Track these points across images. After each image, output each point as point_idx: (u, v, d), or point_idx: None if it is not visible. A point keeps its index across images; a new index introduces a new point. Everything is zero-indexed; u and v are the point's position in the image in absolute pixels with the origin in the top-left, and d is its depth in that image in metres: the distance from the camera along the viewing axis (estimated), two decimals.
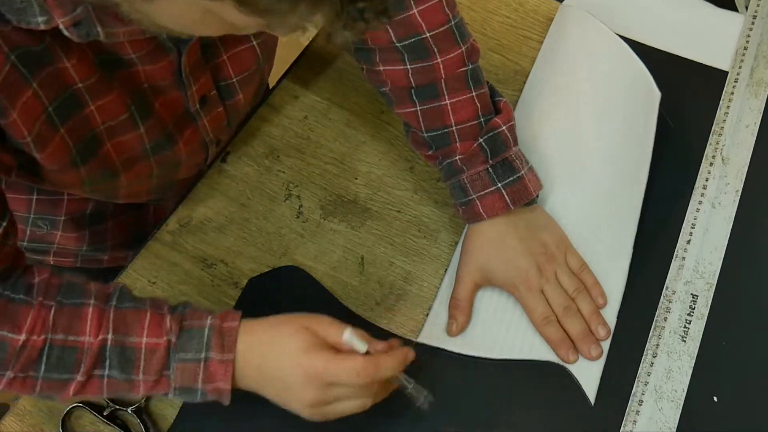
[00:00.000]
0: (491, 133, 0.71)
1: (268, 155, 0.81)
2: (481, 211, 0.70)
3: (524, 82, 0.86)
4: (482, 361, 0.69)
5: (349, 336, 0.58)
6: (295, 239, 0.77)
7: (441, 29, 0.70)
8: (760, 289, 0.73)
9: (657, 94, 0.81)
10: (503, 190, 0.70)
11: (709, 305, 0.71)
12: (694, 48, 0.86)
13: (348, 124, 0.84)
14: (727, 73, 0.84)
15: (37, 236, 0.81)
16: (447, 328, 0.71)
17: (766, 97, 0.83)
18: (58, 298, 0.57)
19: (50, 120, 0.55)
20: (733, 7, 0.88)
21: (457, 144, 0.71)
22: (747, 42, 0.86)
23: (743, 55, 0.85)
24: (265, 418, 0.68)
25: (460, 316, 0.71)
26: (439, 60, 0.70)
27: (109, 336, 0.57)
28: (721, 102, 0.82)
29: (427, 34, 0.70)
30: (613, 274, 0.73)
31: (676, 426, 0.66)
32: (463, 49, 0.71)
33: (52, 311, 0.56)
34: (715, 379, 0.68)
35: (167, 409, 0.69)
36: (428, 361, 0.70)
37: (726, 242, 0.74)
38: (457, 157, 0.71)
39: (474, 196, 0.70)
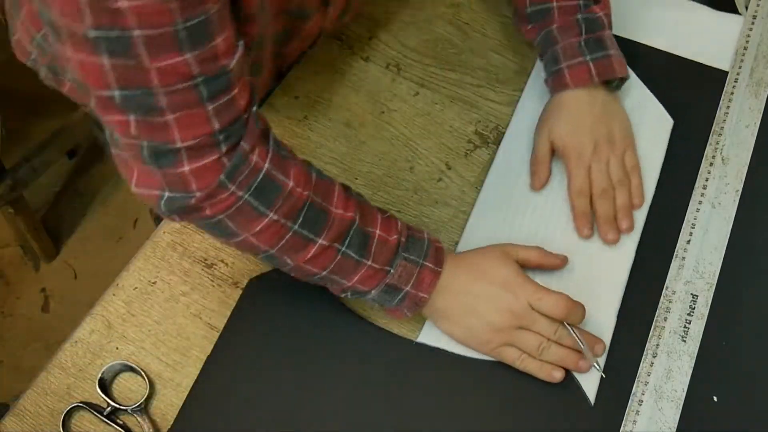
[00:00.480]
0: (588, 15, 0.78)
1: None
2: (567, 79, 0.77)
3: (525, 82, 0.86)
4: (482, 361, 0.69)
5: None
6: None
7: None
8: (760, 289, 0.73)
9: (669, 122, 0.81)
10: (590, 63, 0.76)
11: (709, 305, 0.71)
12: (694, 48, 0.86)
13: (348, 124, 0.84)
14: (727, 73, 0.84)
15: None
16: (531, 184, 0.78)
17: (766, 97, 0.83)
18: (312, 169, 0.63)
19: None
20: (733, 8, 0.88)
21: (556, 18, 0.78)
22: (747, 42, 0.86)
23: (743, 55, 0.85)
24: (265, 419, 0.68)
25: (541, 171, 0.78)
26: None
27: (357, 216, 0.64)
28: (721, 102, 0.82)
29: None
30: (614, 275, 0.73)
31: (676, 426, 0.66)
32: None
33: (313, 176, 0.62)
34: (715, 379, 0.68)
35: (167, 409, 0.69)
36: (428, 362, 0.70)
37: (726, 242, 0.74)
38: (554, 27, 0.78)
39: (563, 65, 0.77)
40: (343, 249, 0.63)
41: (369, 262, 0.64)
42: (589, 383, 0.68)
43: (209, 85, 0.54)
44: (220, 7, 0.53)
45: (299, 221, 0.61)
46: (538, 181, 0.78)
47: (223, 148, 0.56)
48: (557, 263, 0.72)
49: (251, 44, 0.65)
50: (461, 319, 0.68)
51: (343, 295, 0.67)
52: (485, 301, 0.67)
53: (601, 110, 0.77)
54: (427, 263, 0.66)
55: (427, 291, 0.66)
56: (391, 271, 0.65)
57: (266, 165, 0.59)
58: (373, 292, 0.66)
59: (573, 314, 0.66)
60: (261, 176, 0.58)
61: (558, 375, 0.67)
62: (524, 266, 0.70)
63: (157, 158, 0.55)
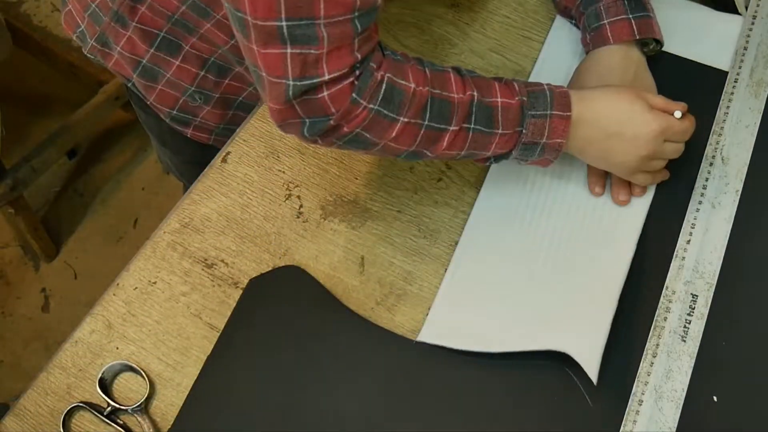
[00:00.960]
0: None
1: (268, 155, 0.81)
2: (609, 34, 0.79)
3: None
4: (482, 361, 0.69)
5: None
6: (295, 239, 0.77)
7: None
8: (760, 289, 0.73)
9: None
10: (633, 20, 0.79)
11: (709, 305, 0.71)
12: (694, 48, 0.86)
13: None
14: (727, 73, 0.84)
15: (186, 107, 0.89)
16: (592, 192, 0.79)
17: (766, 97, 0.83)
18: (426, 65, 0.66)
19: None
20: (733, 8, 0.88)
21: None
22: (747, 42, 0.86)
23: (743, 55, 0.85)
24: (265, 419, 0.68)
25: (595, 187, 0.78)
26: None
27: (475, 93, 0.66)
28: (721, 102, 0.82)
29: None
30: (613, 273, 0.73)
31: (676, 426, 0.66)
32: None
33: (427, 71, 0.65)
34: (715, 379, 0.68)
35: (167, 409, 0.69)
36: (428, 361, 0.70)
37: (726, 242, 0.74)
38: None
39: (606, 21, 0.79)
40: (473, 126, 0.66)
41: (500, 131, 0.67)
42: (590, 384, 0.68)
43: (362, 20, 0.59)
44: None
45: (427, 116, 0.65)
46: (597, 194, 0.79)
47: (357, 73, 0.61)
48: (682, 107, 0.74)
49: None
50: (602, 143, 0.72)
51: (487, 163, 0.72)
52: (627, 137, 0.71)
53: (633, 76, 0.79)
54: (555, 112, 0.68)
55: (563, 136, 0.69)
56: (523, 131, 0.68)
57: (388, 74, 0.62)
58: (513, 152, 0.70)
59: (692, 125, 0.73)
60: (385, 86, 0.62)
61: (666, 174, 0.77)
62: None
63: (300, 94, 0.60)
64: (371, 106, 0.62)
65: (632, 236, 0.75)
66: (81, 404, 0.68)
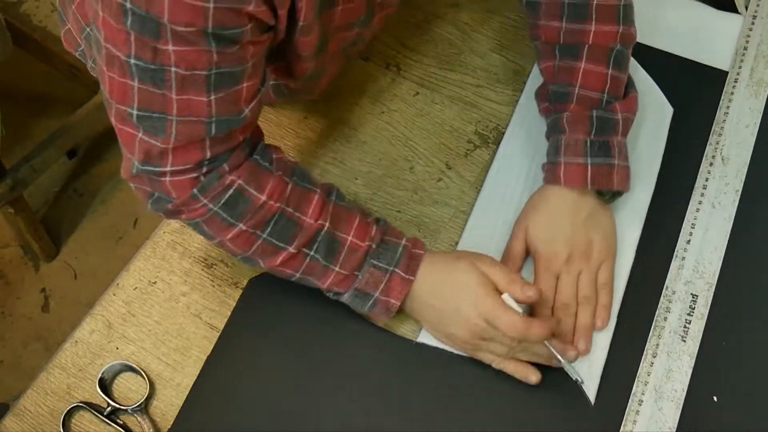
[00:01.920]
0: (606, 114, 0.72)
1: None
2: (561, 175, 0.71)
3: (524, 82, 0.86)
4: (482, 361, 0.69)
5: (508, 298, 0.65)
6: None
7: (610, 3, 0.73)
8: (760, 289, 0.73)
9: (669, 110, 0.81)
10: (589, 167, 0.71)
11: (709, 305, 0.71)
12: (694, 48, 0.86)
13: (348, 124, 0.84)
14: (727, 73, 0.84)
15: None
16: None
17: (766, 97, 0.83)
18: (294, 179, 0.65)
19: (318, 9, 0.61)
20: (733, 8, 0.88)
21: (572, 105, 0.73)
22: (747, 42, 0.86)
23: (743, 55, 0.85)
24: (265, 419, 0.68)
25: (511, 268, 0.72)
26: (592, 28, 0.73)
27: (326, 224, 0.65)
28: (721, 102, 0.82)
29: (595, 2, 0.73)
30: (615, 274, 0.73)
31: (676, 426, 0.66)
32: (620, 29, 0.74)
33: (289, 187, 0.64)
34: (715, 379, 0.68)
35: (167, 409, 0.69)
36: (428, 361, 0.70)
37: (726, 242, 0.74)
38: (565, 115, 0.73)
39: (561, 159, 0.72)
40: (311, 254, 0.65)
41: (336, 268, 0.66)
42: (590, 383, 0.68)
43: (220, 125, 0.60)
44: (256, 59, 0.59)
45: (267, 231, 0.64)
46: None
47: (204, 170, 0.62)
48: (525, 297, 0.66)
49: (304, 76, 0.71)
50: (437, 326, 0.69)
51: (327, 294, 0.69)
52: (450, 313, 0.67)
53: (585, 219, 0.72)
54: (398, 270, 0.66)
55: (397, 298, 0.67)
56: (359, 277, 0.66)
57: (239, 181, 0.62)
58: (345, 295, 0.67)
59: (531, 336, 0.64)
60: (232, 191, 0.62)
61: (534, 378, 0.67)
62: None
63: (146, 171, 0.61)
64: (211, 206, 0.62)
65: (629, 250, 0.75)
66: (81, 404, 0.68)
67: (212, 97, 0.57)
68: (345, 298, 0.67)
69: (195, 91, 0.57)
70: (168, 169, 0.60)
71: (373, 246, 0.66)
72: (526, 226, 0.73)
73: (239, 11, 0.54)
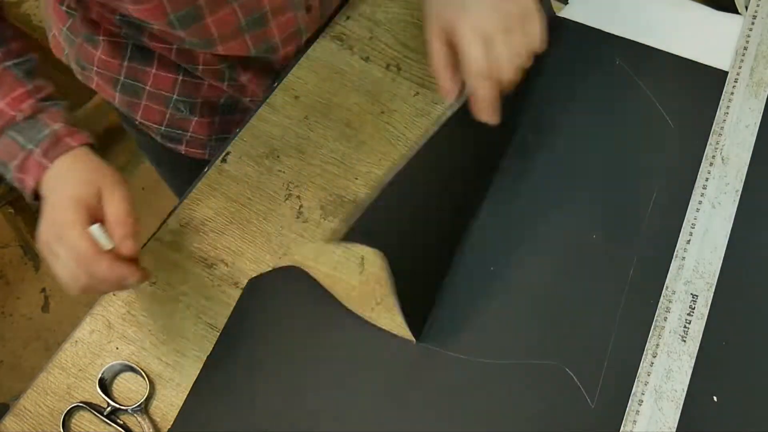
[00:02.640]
0: None
1: (268, 155, 0.81)
2: None
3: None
4: (482, 361, 0.69)
5: (96, 230, 0.59)
6: (295, 239, 0.77)
7: None
8: (760, 289, 0.73)
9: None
10: None
11: (709, 305, 0.71)
12: (694, 48, 0.86)
13: (348, 124, 0.84)
14: (727, 73, 0.84)
15: (174, 122, 0.88)
16: (443, 96, 0.66)
17: (766, 97, 0.83)
18: None
19: None
20: (733, 8, 0.88)
21: None
22: (747, 42, 0.86)
23: (743, 55, 0.85)
24: (265, 419, 0.68)
25: (444, 77, 0.66)
26: None
27: None
28: (721, 102, 0.82)
29: None
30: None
31: (676, 426, 0.66)
32: None
33: None
34: (715, 379, 0.68)
35: (167, 409, 0.69)
36: (428, 361, 0.70)
37: (726, 242, 0.74)
38: None
39: None
40: None
41: None
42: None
43: None
44: None
45: None
46: (448, 91, 0.66)
47: None
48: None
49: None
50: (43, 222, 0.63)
51: None
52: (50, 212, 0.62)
53: None
54: (36, 151, 0.61)
55: (32, 179, 0.62)
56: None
57: None
58: None
59: (89, 270, 0.59)
60: None
61: None
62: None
63: None
64: None
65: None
66: (81, 404, 0.68)
67: None
68: None
69: None
70: None
71: (20, 118, 0.61)
72: (436, 16, 0.65)
73: None
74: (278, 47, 0.75)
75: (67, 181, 0.61)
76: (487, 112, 0.65)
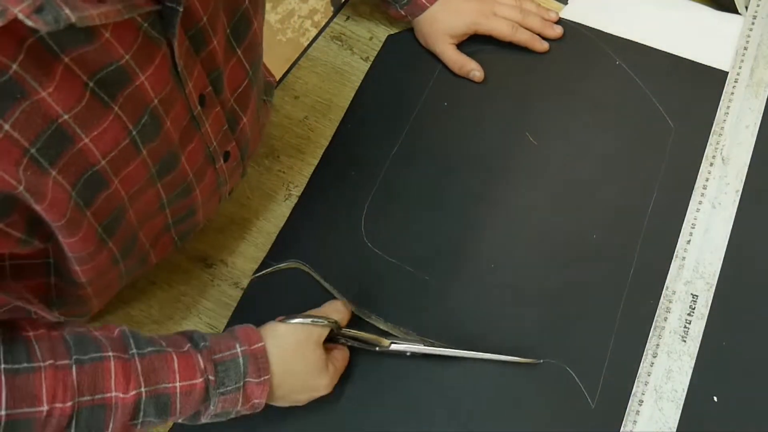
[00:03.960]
0: None
1: (268, 155, 0.81)
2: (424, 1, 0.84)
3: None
4: (482, 362, 0.69)
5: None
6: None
7: None
8: (760, 289, 0.73)
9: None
10: None
11: (709, 305, 0.71)
12: (694, 48, 0.86)
13: None
14: (727, 73, 0.84)
15: None
16: (472, 76, 0.84)
17: (766, 97, 0.83)
18: (75, 357, 0.52)
19: (35, 162, 0.45)
20: (733, 8, 0.88)
21: None
22: (747, 42, 0.86)
23: (743, 55, 0.85)
24: (264, 419, 0.68)
25: (469, 66, 0.84)
26: None
27: (142, 390, 0.55)
28: (721, 102, 0.82)
29: None
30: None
31: (676, 426, 0.66)
32: None
33: (73, 372, 0.52)
34: (715, 379, 0.68)
35: None
36: (427, 363, 0.70)
37: (726, 242, 0.74)
38: None
39: None
40: (141, 421, 0.55)
41: (178, 417, 0.58)
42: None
43: None
44: None
45: (74, 429, 0.52)
46: (479, 72, 0.84)
47: None
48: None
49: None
50: (303, 390, 0.65)
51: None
52: (308, 370, 0.64)
53: None
54: (249, 380, 0.59)
55: (261, 398, 0.61)
56: (211, 407, 0.58)
57: (2, 412, 0.48)
58: (203, 420, 0.60)
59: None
60: (3, 426, 0.49)
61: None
62: None
63: None
64: None
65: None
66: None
67: None
68: (203, 422, 0.60)
69: None
70: None
71: (211, 378, 0.57)
72: (445, 34, 0.84)
73: None
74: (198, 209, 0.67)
75: (293, 348, 0.63)
76: (538, 46, 0.85)
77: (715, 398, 0.68)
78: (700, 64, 0.85)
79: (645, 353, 0.69)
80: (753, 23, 0.87)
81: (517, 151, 0.80)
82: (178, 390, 0.56)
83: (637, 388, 0.68)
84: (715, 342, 0.70)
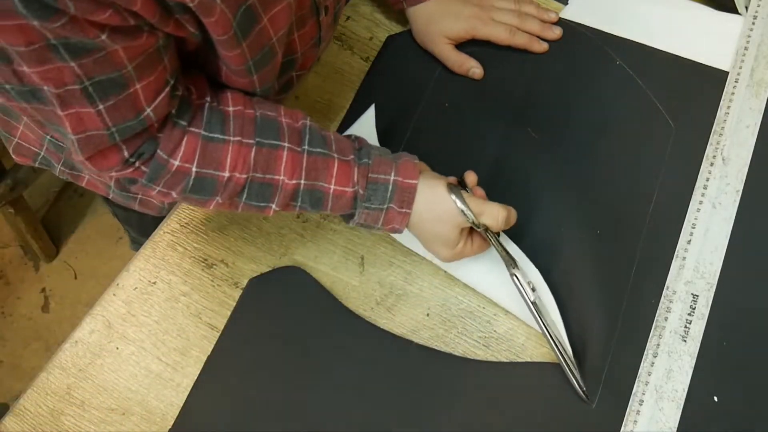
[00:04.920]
0: None
1: None
2: None
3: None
4: (482, 362, 0.69)
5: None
6: (295, 239, 0.77)
7: None
8: (760, 289, 0.73)
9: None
10: None
11: (710, 305, 0.71)
12: (694, 48, 0.86)
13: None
14: (727, 73, 0.84)
15: None
16: (472, 74, 0.84)
17: (766, 97, 0.83)
18: (257, 139, 0.62)
19: (238, 25, 0.56)
20: (733, 8, 0.88)
21: None
22: (747, 42, 0.86)
23: (743, 55, 0.85)
24: (265, 419, 0.68)
25: (468, 63, 0.84)
26: None
27: (302, 181, 0.64)
28: (721, 102, 0.82)
29: None
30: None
31: (676, 426, 0.66)
32: None
33: (252, 151, 0.62)
34: (715, 379, 0.68)
35: (167, 409, 0.69)
36: (428, 361, 0.70)
37: (726, 242, 0.74)
38: None
39: None
40: (298, 205, 0.65)
41: (328, 211, 0.66)
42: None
43: (121, 132, 0.56)
44: (142, 59, 0.53)
45: (244, 197, 0.63)
46: (478, 69, 0.84)
47: (137, 164, 0.59)
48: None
49: (256, 88, 0.66)
50: (430, 241, 0.70)
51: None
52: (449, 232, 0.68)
53: None
54: (393, 206, 0.66)
55: (401, 225, 0.67)
56: (355, 216, 0.66)
57: (193, 167, 0.60)
58: (350, 224, 0.68)
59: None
60: (192, 179, 0.60)
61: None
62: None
63: (95, 173, 0.60)
64: (174, 194, 0.62)
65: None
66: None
67: (101, 107, 0.53)
68: (351, 225, 0.68)
69: (79, 105, 0.52)
70: (102, 172, 0.59)
71: (360, 191, 0.65)
72: (441, 34, 0.83)
73: (78, 20, 0.47)
74: (298, 59, 0.72)
75: (435, 202, 0.67)
76: (537, 47, 0.85)
77: (716, 398, 0.68)
78: (701, 64, 0.85)
79: (645, 353, 0.69)
80: (753, 23, 0.87)
81: (518, 151, 0.80)
82: (331, 192, 0.65)
83: (637, 387, 0.68)
84: (716, 342, 0.70)
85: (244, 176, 0.62)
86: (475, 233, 0.70)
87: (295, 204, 0.65)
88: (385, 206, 0.66)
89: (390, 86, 0.85)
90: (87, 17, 0.47)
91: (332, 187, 0.65)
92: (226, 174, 0.61)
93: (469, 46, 0.85)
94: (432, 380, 0.69)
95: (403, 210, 0.66)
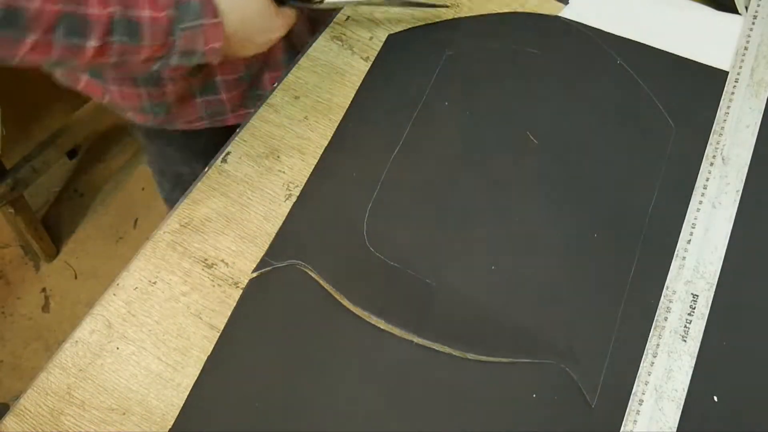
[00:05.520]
0: None
1: (268, 155, 0.81)
2: None
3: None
4: (482, 361, 0.69)
5: None
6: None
7: None
8: (760, 289, 0.73)
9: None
10: None
11: (710, 305, 0.71)
12: (694, 48, 0.86)
13: None
14: (727, 73, 0.84)
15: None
16: None
17: (766, 97, 0.83)
18: None
19: None
20: (733, 8, 0.88)
21: None
22: (747, 42, 0.86)
23: (743, 55, 0.85)
24: (265, 419, 0.68)
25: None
26: None
27: (116, 8, 0.64)
28: (721, 102, 0.82)
29: None
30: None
31: (676, 426, 0.66)
32: None
33: None
34: (715, 379, 0.68)
35: (167, 410, 0.69)
36: (428, 361, 0.70)
37: (726, 242, 0.74)
38: None
39: None
40: (116, 40, 0.65)
41: (147, 43, 0.66)
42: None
43: None
44: None
45: (59, 33, 0.62)
46: None
47: None
48: None
49: None
50: (252, 38, 0.75)
51: (154, 66, 0.70)
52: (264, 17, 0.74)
53: None
54: (204, 21, 0.68)
55: (218, 39, 0.69)
56: (176, 42, 0.68)
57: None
58: (173, 58, 0.69)
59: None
60: (2, 11, 0.58)
61: None
62: None
63: None
64: None
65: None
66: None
67: None
68: (174, 61, 0.69)
69: None
70: None
71: (172, 13, 0.66)
72: None
73: None
74: None
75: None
76: None
77: (716, 398, 0.68)
78: (701, 63, 0.85)
79: (645, 353, 0.69)
80: (753, 23, 0.87)
81: (518, 151, 0.80)
82: (146, 19, 0.65)
83: (637, 387, 0.68)
84: (716, 342, 0.70)
85: (56, 7, 0.61)
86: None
87: (112, 40, 0.64)
88: (199, 23, 0.67)
89: (390, 86, 0.85)
90: None
91: (146, 14, 0.65)
92: (34, 4, 0.60)
93: (469, 45, 0.85)
94: (432, 379, 0.69)
95: (215, 20, 0.68)
